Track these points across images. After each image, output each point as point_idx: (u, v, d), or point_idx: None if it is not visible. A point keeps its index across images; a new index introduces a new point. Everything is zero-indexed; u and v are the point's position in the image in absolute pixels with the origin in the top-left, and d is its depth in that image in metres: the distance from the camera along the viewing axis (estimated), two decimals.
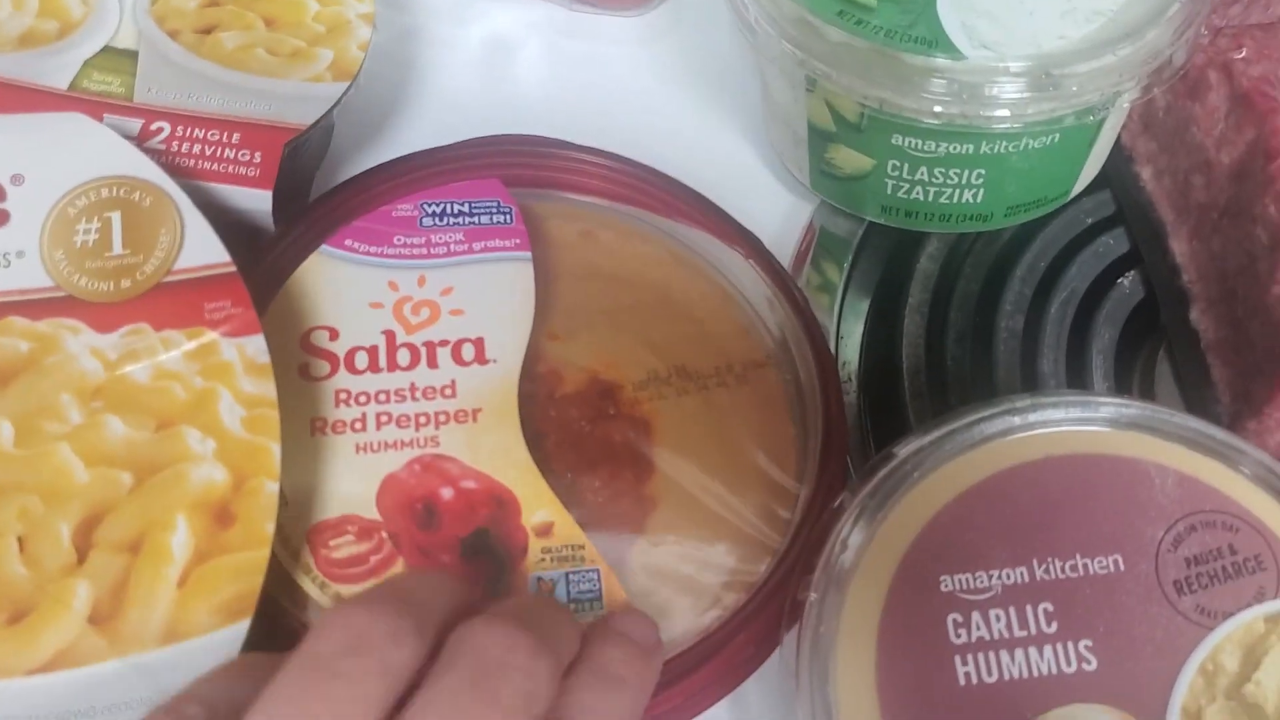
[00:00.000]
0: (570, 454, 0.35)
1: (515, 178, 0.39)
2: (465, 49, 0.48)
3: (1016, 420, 0.33)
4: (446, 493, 0.33)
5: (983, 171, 0.39)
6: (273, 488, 0.31)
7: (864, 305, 0.43)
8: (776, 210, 0.45)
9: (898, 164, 0.39)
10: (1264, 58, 0.40)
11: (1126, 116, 0.43)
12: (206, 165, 0.36)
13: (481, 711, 0.23)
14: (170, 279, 0.33)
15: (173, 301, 0.33)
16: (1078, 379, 0.40)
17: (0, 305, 0.32)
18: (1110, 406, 0.34)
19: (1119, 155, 0.44)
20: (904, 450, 0.33)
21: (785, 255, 0.43)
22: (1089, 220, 0.43)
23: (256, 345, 0.33)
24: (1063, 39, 0.36)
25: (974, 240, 0.43)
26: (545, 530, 0.33)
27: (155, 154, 0.35)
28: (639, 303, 0.40)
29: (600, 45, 0.49)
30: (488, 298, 0.37)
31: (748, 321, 0.40)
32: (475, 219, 0.38)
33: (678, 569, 0.34)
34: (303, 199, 0.40)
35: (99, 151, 0.35)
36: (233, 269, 0.33)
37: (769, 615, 0.33)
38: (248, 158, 0.37)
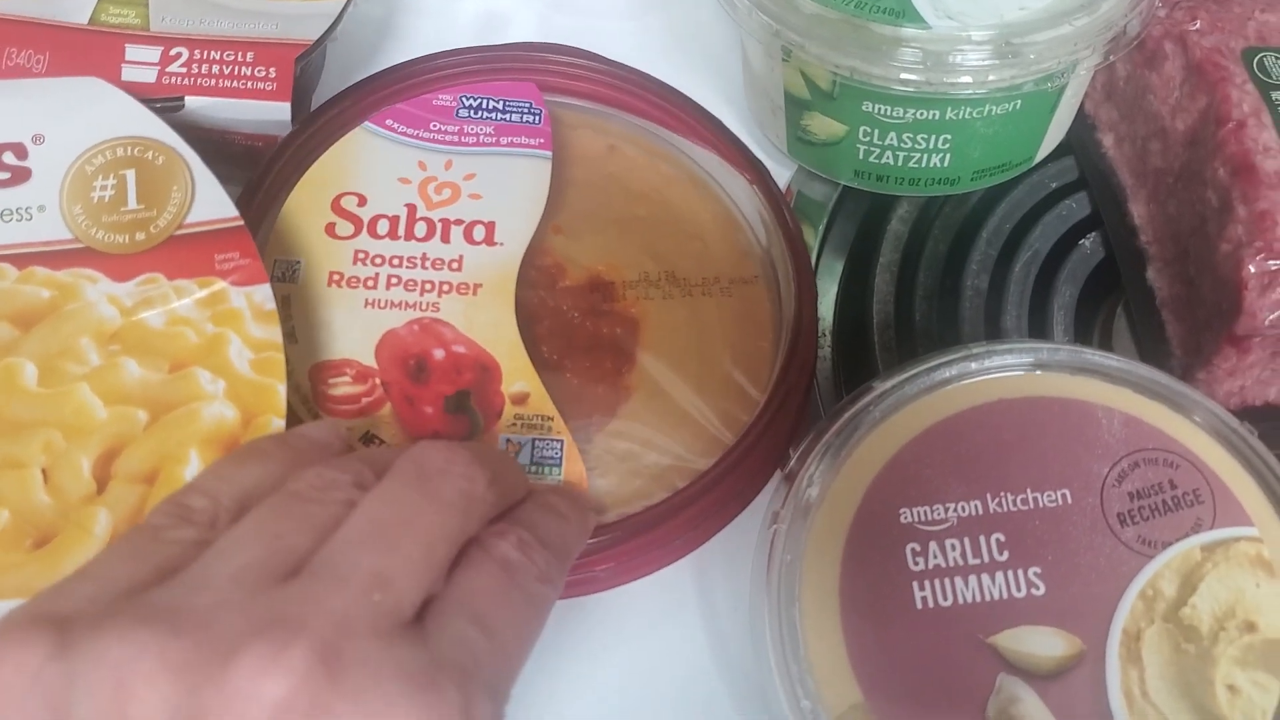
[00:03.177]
0: (559, 338, 0.39)
1: (550, 84, 0.43)
2: (457, 20, 0.50)
3: (973, 365, 0.36)
4: (438, 353, 0.36)
5: (949, 136, 0.41)
6: (279, 424, 0.33)
7: (839, 266, 0.45)
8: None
9: (869, 130, 0.42)
10: (1216, 29, 0.42)
11: (1089, 86, 0.45)
12: (227, 84, 0.39)
13: (419, 503, 0.26)
14: (182, 232, 0.36)
15: (185, 253, 0.35)
16: (1039, 334, 0.42)
17: (23, 256, 0.35)
18: (1061, 353, 0.36)
19: (1083, 123, 0.46)
20: (869, 394, 0.35)
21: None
22: (1053, 185, 0.45)
23: (264, 293, 0.35)
24: (1023, 10, 0.38)
25: (943, 203, 0.45)
26: (521, 399, 0.37)
27: (178, 76, 0.39)
28: (650, 216, 0.43)
29: (588, 19, 0.51)
30: (506, 187, 0.40)
31: (746, 243, 0.42)
32: (507, 116, 0.41)
33: (637, 452, 0.38)
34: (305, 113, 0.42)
35: (115, 113, 0.37)
36: (240, 223, 0.36)
37: (707, 502, 0.36)
38: (264, 74, 0.40)
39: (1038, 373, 0.36)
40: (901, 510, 0.34)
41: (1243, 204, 0.39)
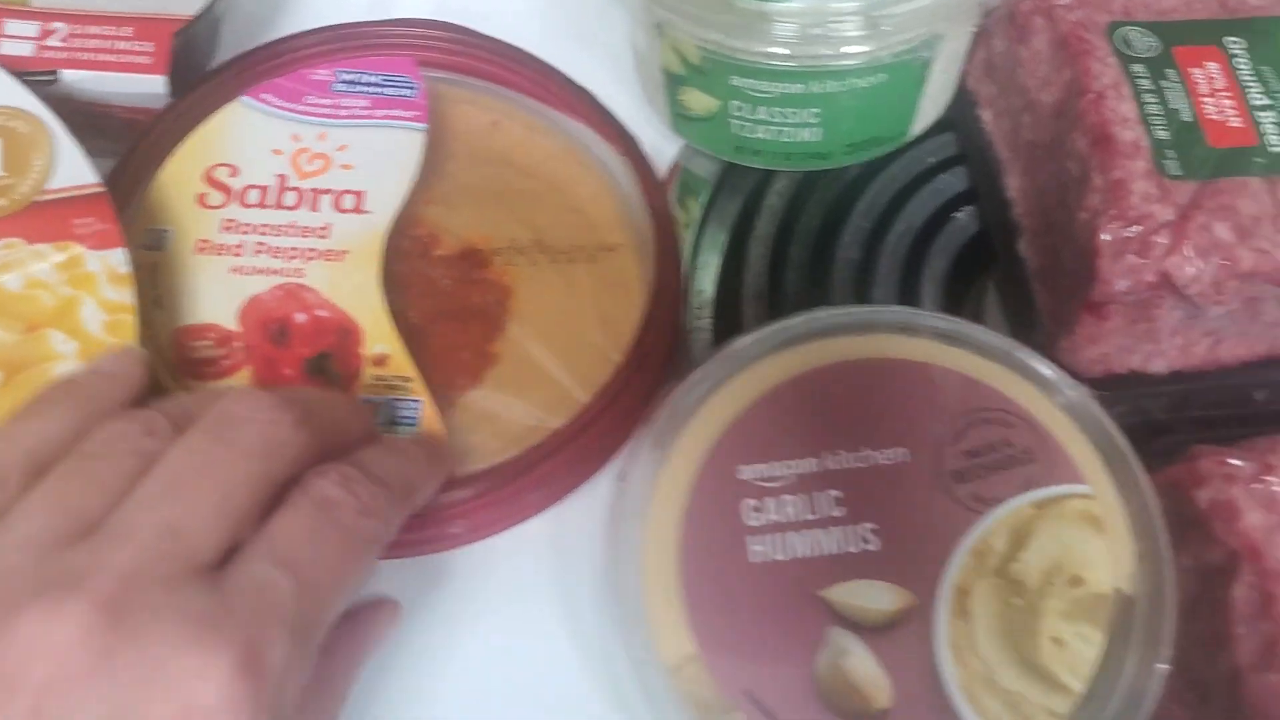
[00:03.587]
0: (429, 305, 0.41)
1: (430, 60, 0.44)
2: None
3: (816, 328, 0.36)
4: (300, 317, 0.37)
5: (817, 110, 0.42)
6: (64, 367, 0.34)
7: (722, 238, 0.46)
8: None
9: (740, 104, 0.42)
10: (1084, 4, 0.42)
11: (970, 63, 0.46)
12: (104, 58, 0.40)
13: (216, 452, 0.26)
14: (43, 198, 0.37)
15: (45, 218, 0.36)
16: (908, 304, 0.43)
17: None
18: (902, 316, 0.37)
19: (964, 99, 0.47)
20: (718, 355, 0.37)
21: None
22: (931, 160, 0.46)
23: (118, 258, 0.36)
24: None
25: (820, 178, 0.46)
26: (381, 361, 0.38)
27: (56, 50, 0.40)
28: (531, 189, 0.44)
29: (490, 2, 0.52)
30: (378, 158, 0.42)
31: (623, 214, 0.44)
32: (383, 90, 0.42)
33: (499, 415, 0.39)
34: None
35: None
36: (101, 190, 0.37)
37: (561, 460, 0.37)
38: (142, 48, 0.40)
39: (879, 336, 0.36)
40: (741, 468, 0.34)
41: (1099, 173, 0.39)
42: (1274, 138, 0.39)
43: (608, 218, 0.43)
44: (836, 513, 0.33)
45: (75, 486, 0.25)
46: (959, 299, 0.44)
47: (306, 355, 0.37)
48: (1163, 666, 0.32)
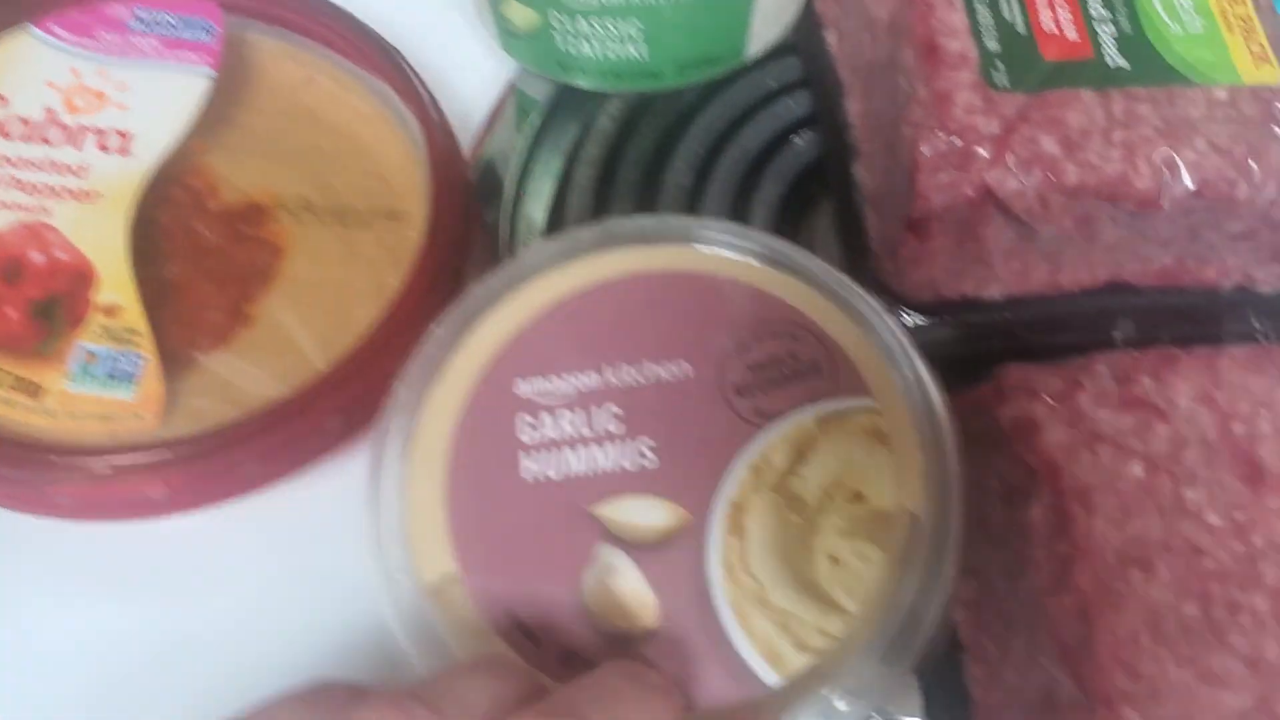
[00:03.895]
0: (187, 259, 0.38)
1: (234, 5, 0.42)
2: None
3: (605, 238, 0.35)
4: (37, 257, 0.36)
5: (640, 24, 0.40)
6: None
7: (556, 165, 0.44)
8: (478, 75, 0.45)
9: (559, 17, 0.40)
10: None
11: None
12: None
13: None
14: None
15: None
16: None
17: None
18: (693, 228, 0.35)
19: (810, 22, 0.45)
20: (505, 267, 0.35)
21: (481, 117, 0.44)
22: (772, 84, 0.44)
23: None
24: None
25: (656, 100, 0.44)
26: (112, 311, 0.36)
27: None
28: (333, 148, 0.42)
29: None
30: (155, 101, 0.40)
31: (423, 178, 0.41)
32: (179, 32, 0.40)
33: (234, 382, 0.37)
34: None
35: None
36: None
37: (278, 437, 0.35)
38: None
39: (668, 247, 0.35)
40: (518, 382, 0.32)
41: (924, 85, 0.37)
42: (1111, 50, 0.38)
43: (410, 185, 0.40)
44: (614, 429, 0.32)
45: None
46: (793, 225, 0.43)
47: (34, 298, 0.35)
48: (946, 590, 0.30)
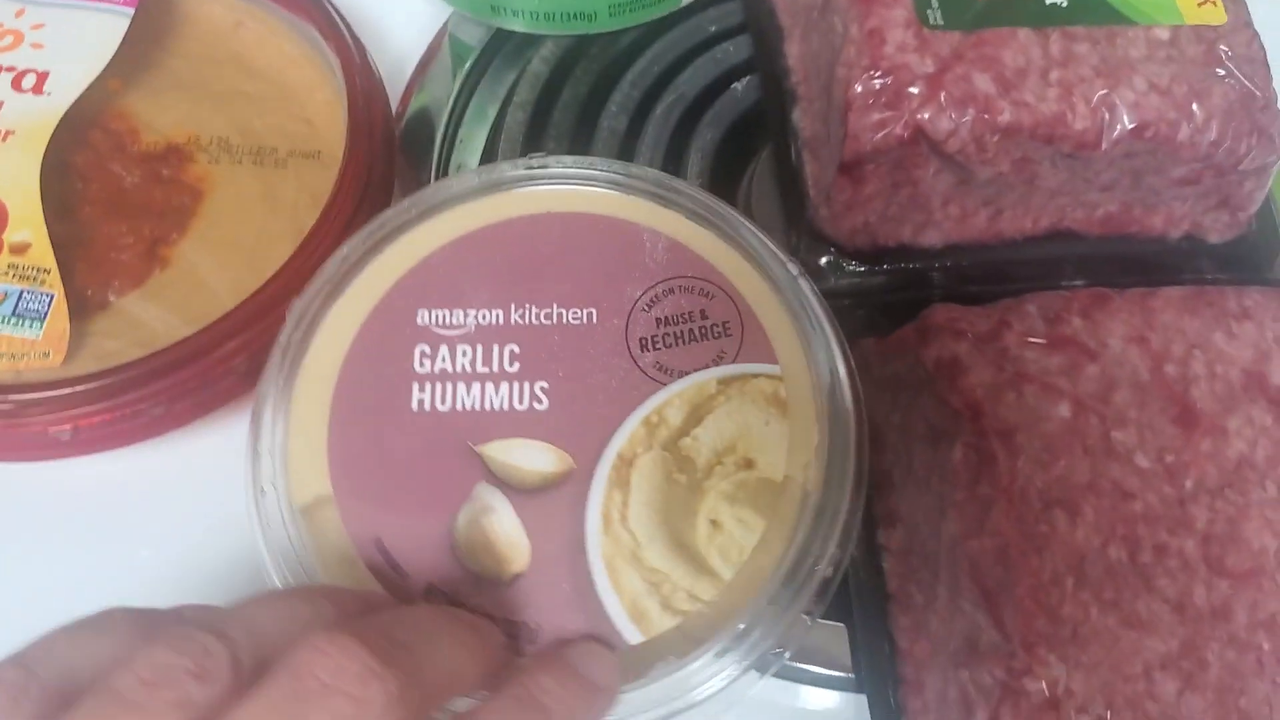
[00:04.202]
0: (103, 200, 0.37)
1: None
2: None
3: (525, 173, 0.34)
4: None
5: None
6: None
7: (491, 111, 0.43)
8: (414, 21, 0.44)
9: None
10: None
11: None
12: None
13: None
14: None
15: None
16: (671, 174, 0.40)
17: None
18: (619, 173, 0.34)
19: None
20: (417, 192, 0.34)
21: (414, 61, 0.43)
22: (712, 29, 0.43)
23: None
24: None
25: (592, 45, 0.43)
26: (20, 249, 0.35)
27: None
28: (259, 93, 0.41)
29: None
30: (73, 41, 0.39)
31: (345, 120, 0.40)
32: None
33: (146, 324, 0.36)
34: None
35: None
36: None
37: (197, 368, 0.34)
38: None
39: (595, 188, 0.34)
40: (420, 311, 0.32)
41: (857, 24, 0.36)
42: None
43: (333, 128, 0.40)
44: (511, 367, 0.31)
45: None
46: (729, 172, 0.41)
47: None
48: (825, 568, 0.29)
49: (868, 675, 0.33)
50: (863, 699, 0.33)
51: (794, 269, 0.32)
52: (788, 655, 0.29)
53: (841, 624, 0.35)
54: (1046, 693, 0.28)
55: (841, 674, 0.34)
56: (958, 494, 0.31)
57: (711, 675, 0.28)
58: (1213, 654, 0.29)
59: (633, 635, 0.28)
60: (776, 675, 0.34)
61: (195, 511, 0.35)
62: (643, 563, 0.28)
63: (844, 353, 0.31)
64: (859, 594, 0.34)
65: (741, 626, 0.28)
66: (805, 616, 0.28)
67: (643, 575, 0.28)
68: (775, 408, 0.30)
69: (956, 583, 0.31)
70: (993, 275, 0.39)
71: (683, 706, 0.28)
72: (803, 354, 0.31)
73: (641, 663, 0.28)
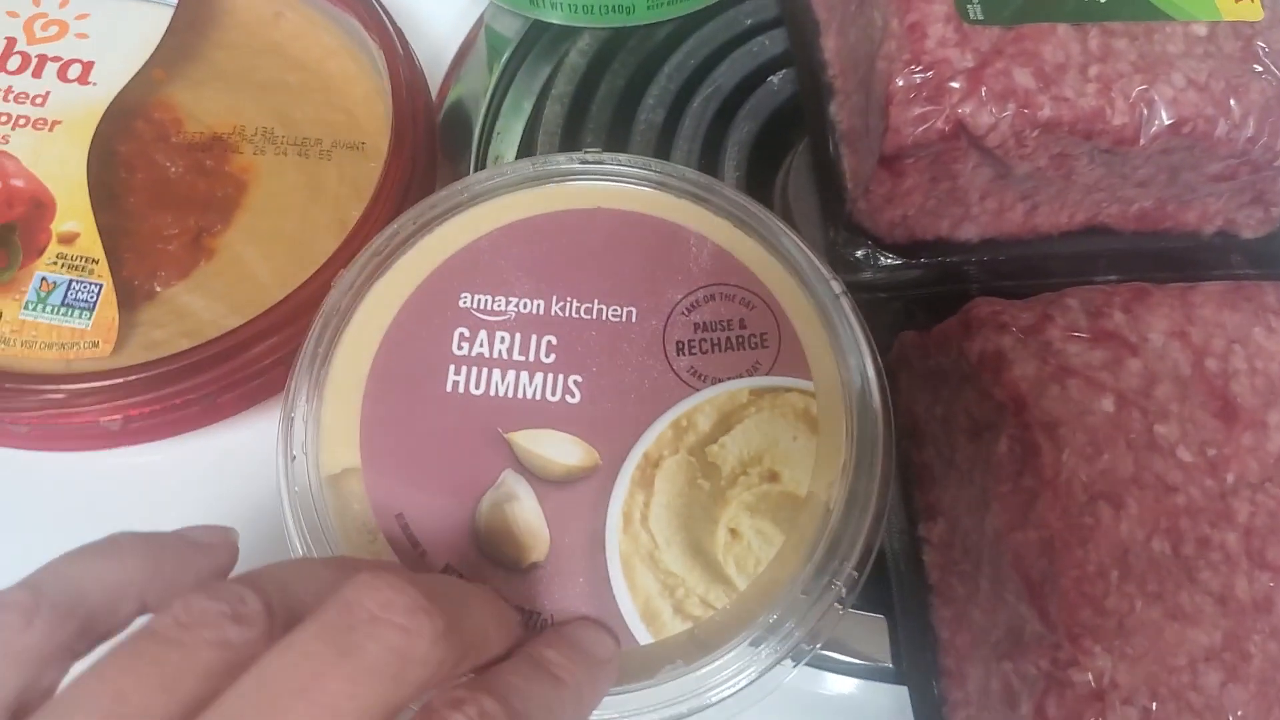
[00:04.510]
0: (149, 191, 0.38)
1: None
2: None
3: (579, 167, 0.34)
4: None
5: None
6: None
7: (527, 104, 0.43)
8: (452, 11, 0.45)
9: None
10: None
11: None
12: None
13: (331, 663, 0.19)
14: None
15: None
16: (709, 169, 0.40)
17: None
18: (671, 174, 0.34)
19: None
20: (471, 178, 0.34)
21: (450, 53, 0.43)
22: (748, 21, 0.43)
23: None
24: None
25: (630, 37, 0.43)
26: (70, 239, 0.35)
27: None
28: (301, 84, 0.42)
29: None
30: (117, 32, 0.39)
31: (387, 111, 0.40)
32: None
33: (194, 313, 0.36)
34: None
35: None
36: None
37: (246, 359, 0.34)
38: None
39: (644, 188, 0.34)
40: (463, 294, 0.32)
41: (897, 18, 0.37)
42: None
43: (374, 119, 0.40)
44: (547, 358, 0.31)
45: (132, 684, 0.19)
46: (766, 165, 0.42)
47: None
48: (839, 586, 0.29)
49: (910, 667, 0.34)
50: (903, 691, 0.33)
51: (837, 287, 0.32)
52: (798, 666, 0.29)
53: (882, 616, 0.35)
54: (1093, 684, 0.28)
55: (881, 664, 0.34)
56: (1002, 486, 0.31)
57: (720, 682, 0.28)
58: (1255, 646, 0.29)
59: (643, 636, 0.28)
60: (814, 665, 0.34)
61: (240, 502, 0.35)
62: (659, 564, 0.29)
63: (879, 375, 0.31)
64: (900, 586, 0.35)
65: (752, 638, 0.28)
66: (809, 638, 0.29)
67: (658, 577, 0.29)
68: (805, 424, 0.30)
69: (1000, 574, 0.31)
70: (1027, 270, 0.40)
71: (690, 710, 0.28)
72: (838, 373, 0.31)
73: (650, 663, 0.28)
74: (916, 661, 0.33)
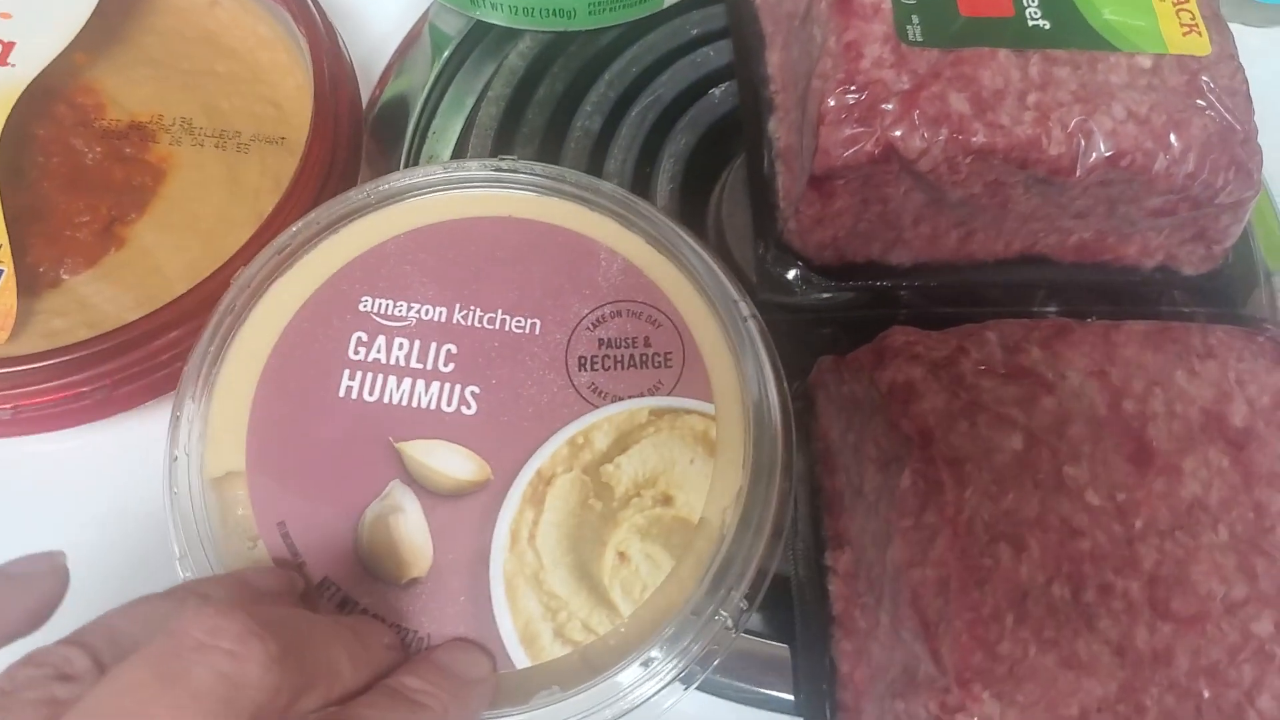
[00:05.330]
0: (64, 176, 0.37)
1: None
2: None
3: (493, 174, 0.33)
4: None
5: None
6: None
7: (468, 103, 0.42)
8: (395, 8, 0.44)
9: None
10: None
11: None
12: None
13: (153, 695, 0.19)
14: None
15: None
16: (643, 179, 0.39)
17: None
18: (587, 187, 0.33)
19: None
20: (375, 183, 0.33)
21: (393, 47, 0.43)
22: (694, 32, 0.42)
23: None
24: None
25: (571, 42, 0.42)
26: None
27: None
28: (230, 73, 0.41)
29: None
30: (41, 12, 0.38)
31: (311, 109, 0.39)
32: None
33: (96, 304, 0.35)
34: None
35: None
36: None
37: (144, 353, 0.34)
38: None
39: (558, 200, 0.33)
40: (364, 298, 0.31)
41: (835, 36, 0.36)
42: (1033, 9, 0.36)
43: (301, 113, 0.39)
44: (445, 368, 0.30)
45: None
46: (702, 178, 0.41)
47: None
48: (729, 612, 0.28)
49: (806, 699, 0.33)
50: None
51: (745, 310, 0.31)
52: (689, 689, 0.28)
53: (787, 646, 0.34)
54: None
55: (782, 696, 0.33)
56: (904, 521, 0.30)
57: (604, 705, 0.27)
58: (1151, 699, 0.28)
59: (520, 659, 0.27)
60: (715, 694, 0.33)
61: (133, 499, 0.34)
62: (543, 585, 0.28)
63: (784, 400, 0.31)
64: (803, 616, 0.34)
65: (641, 659, 0.28)
66: (700, 661, 0.28)
67: (541, 599, 0.28)
68: (703, 447, 0.30)
69: (898, 611, 0.30)
70: (963, 297, 0.39)
71: None
72: (740, 396, 0.31)
73: (525, 687, 0.27)
74: (814, 694, 0.33)
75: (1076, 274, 0.39)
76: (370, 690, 0.24)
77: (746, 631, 0.34)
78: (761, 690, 0.33)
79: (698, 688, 0.31)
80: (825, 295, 0.38)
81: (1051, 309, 0.39)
